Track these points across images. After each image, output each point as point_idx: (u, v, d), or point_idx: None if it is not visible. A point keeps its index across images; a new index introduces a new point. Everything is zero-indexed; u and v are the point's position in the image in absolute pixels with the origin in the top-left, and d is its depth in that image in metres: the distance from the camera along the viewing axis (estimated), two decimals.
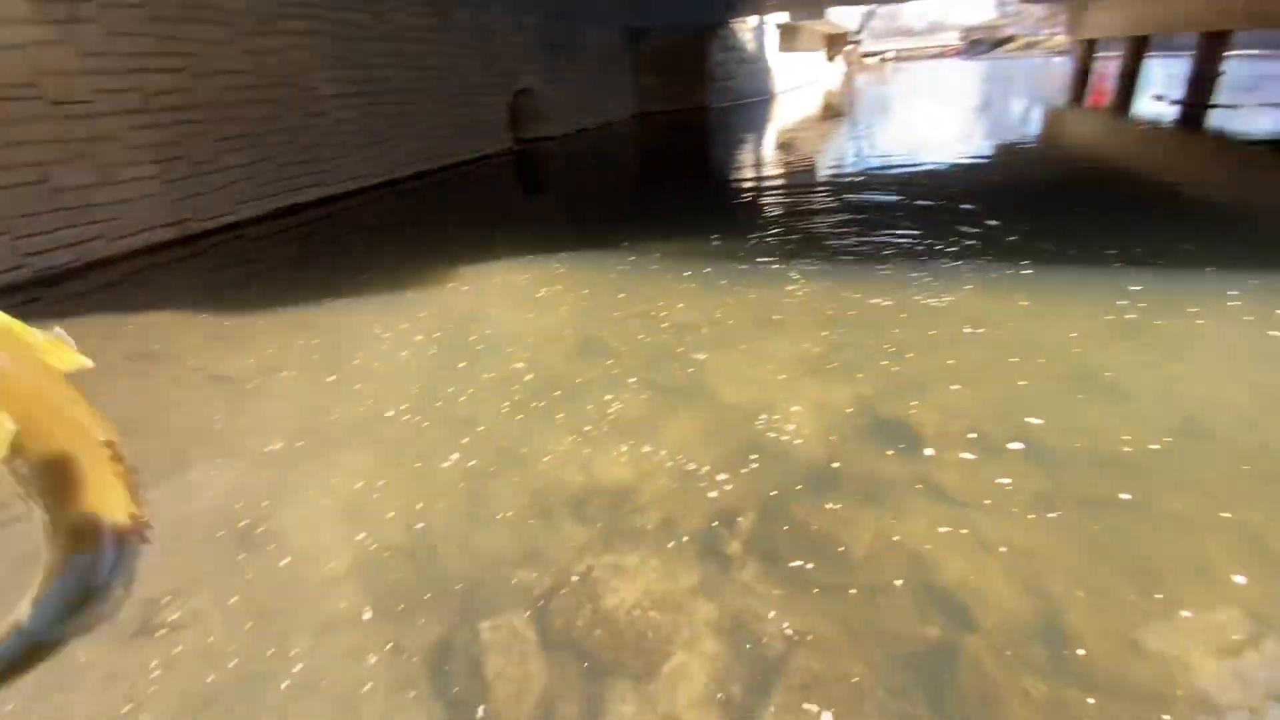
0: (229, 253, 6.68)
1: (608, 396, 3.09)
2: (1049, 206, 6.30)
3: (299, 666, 1.77)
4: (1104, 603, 1.75)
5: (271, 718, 1.64)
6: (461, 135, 11.83)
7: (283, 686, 1.71)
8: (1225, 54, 15.38)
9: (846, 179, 8.46)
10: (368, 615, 1.93)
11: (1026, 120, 14.42)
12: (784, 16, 24.99)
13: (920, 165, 8.67)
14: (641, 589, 1.92)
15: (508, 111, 13.33)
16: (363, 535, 2.26)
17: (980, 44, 75.70)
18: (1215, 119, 12.05)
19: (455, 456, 2.70)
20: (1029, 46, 66.63)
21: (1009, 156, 9.44)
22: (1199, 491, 2.15)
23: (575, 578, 1.98)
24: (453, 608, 1.93)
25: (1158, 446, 2.39)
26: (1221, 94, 14.12)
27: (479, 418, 2.98)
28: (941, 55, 74.22)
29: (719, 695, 1.60)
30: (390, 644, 1.82)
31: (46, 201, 5.75)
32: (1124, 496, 2.14)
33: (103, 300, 5.33)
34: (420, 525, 2.30)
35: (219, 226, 7.36)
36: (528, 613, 1.88)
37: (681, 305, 4.20)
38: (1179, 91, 14.69)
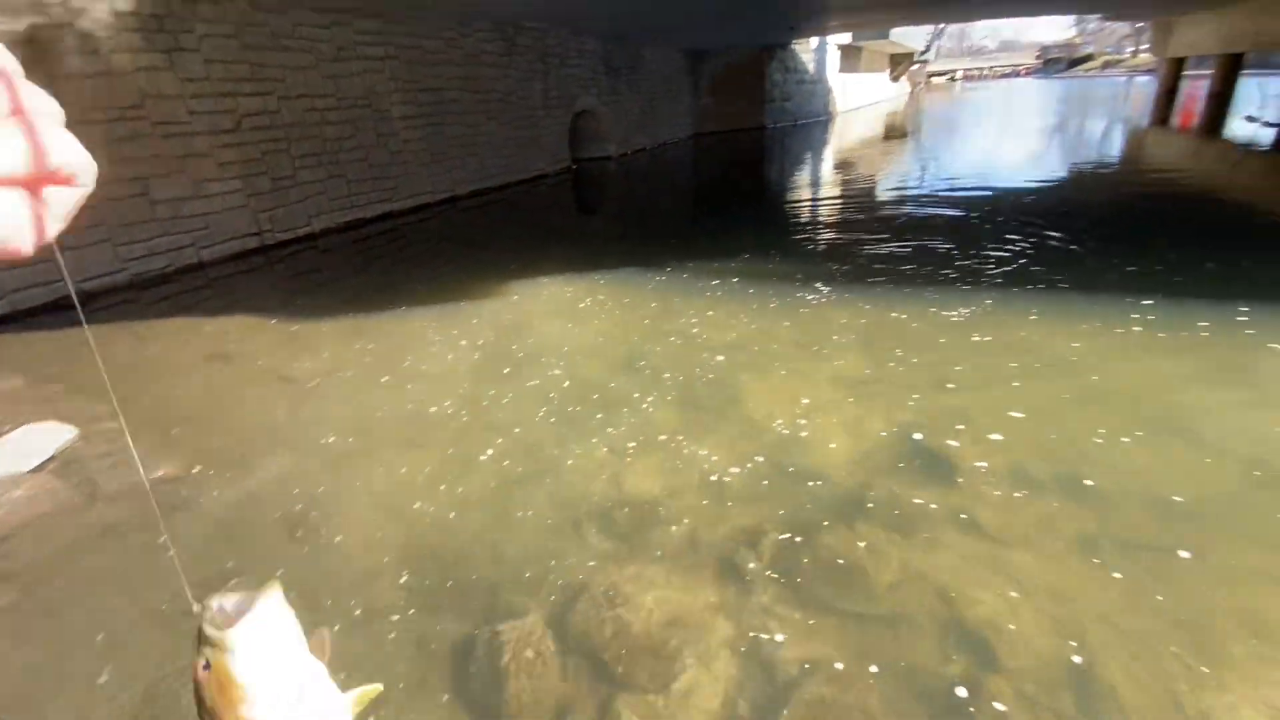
0: (302, 262, 7.14)
1: (644, 408, 3.13)
2: (1121, 234, 5.98)
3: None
4: (1144, 654, 1.66)
5: None
6: (522, 155, 12.25)
7: None
8: None
9: (904, 201, 8.28)
10: (399, 603, 2.02)
11: (1107, 142, 13.75)
12: (846, 37, 24.79)
13: (986, 188, 8.40)
14: (661, 603, 1.94)
15: (568, 132, 13.72)
16: (400, 529, 2.37)
17: (1057, 62, 72.76)
18: None
19: (490, 455, 2.80)
20: (1108, 65, 63.57)
21: (1085, 179, 9.03)
22: (1263, 543, 2.00)
23: (598, 587, 2.02)
24: (477, 608, 2.00)
25: (1219, 491, 2.24)
26: None
27: (517, 422, 3.08)
28: (1015, 74, 71.76)
29: (727, 716, 1.59)
30: (416, 638, 1.90)
31: (145, 212, 6.31)
32: (1177, 544, 2.02)
33: (189, 303, 5.79)
34: (455, 522, 2.39)
35: (294, 238, 7.87)
36: (547, 618, 1.93)
37: (725, 325, 4.21)
38: (1276, 112, 13.71)
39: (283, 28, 7.46)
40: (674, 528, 2.29)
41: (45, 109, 0.39)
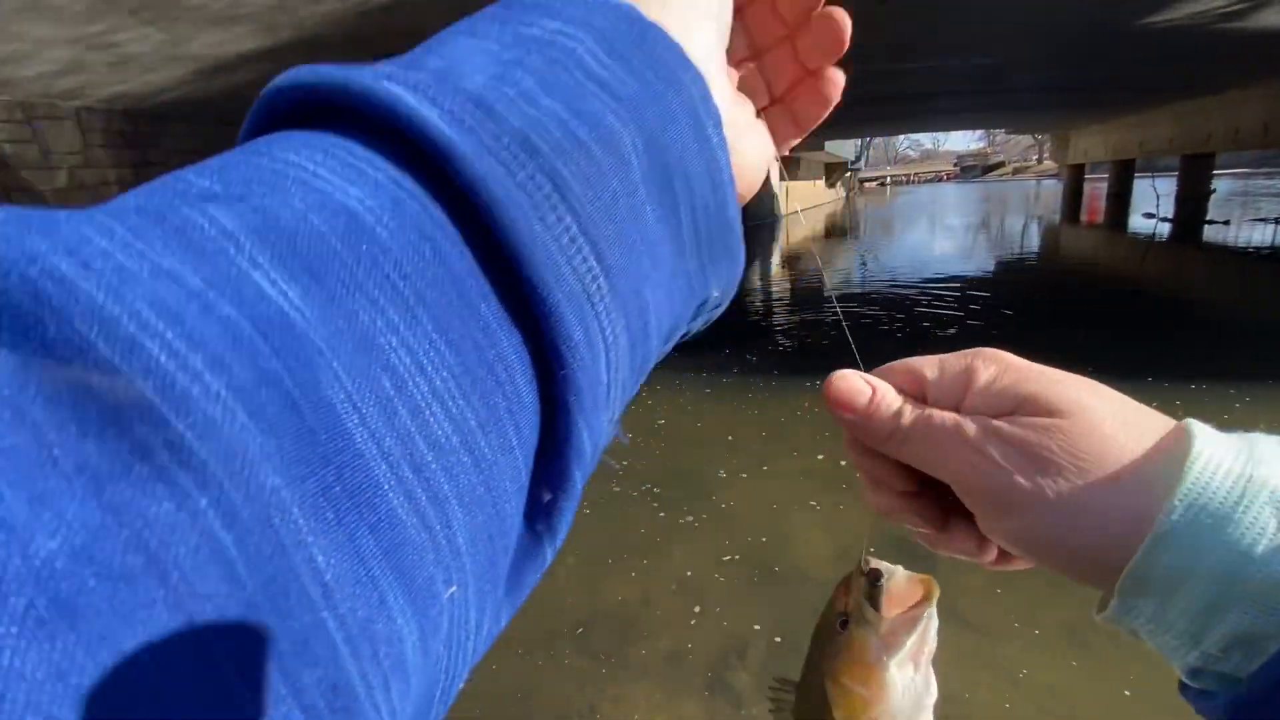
0: None
1: (614, 511, 3.05)
2: (1053, 321, 6.42)
3: None
4: None
5: None
6: None
7: None
8: (1212, 173, 16.22)
9: (852, 294, 8.75)
10: None
11: (1026, 237, 15.05)
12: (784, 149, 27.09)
13: (925, 280, 8.98)
14: None
15: None
16: None
17: (973, 169, 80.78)
18: (1209, 233, 12.49)
19: None
20: (1018, 171, 70.91)
21: (1013, 272, 9.77)
22: None
23: (576, 716, 1.87)
24: None
25: None
26: (1212, 210, 14.72)
27: None
28: (939, 180, 79.08)
29: None
30: None
31: None
32: None
33: None
34: None
35: None
36: None
37: (692, 418, 4.23)
38: (1170, 209, 15.36)
39: None
40: (656, 641, 2.17)
41: None
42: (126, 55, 4.46)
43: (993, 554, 0.28)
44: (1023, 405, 0.25)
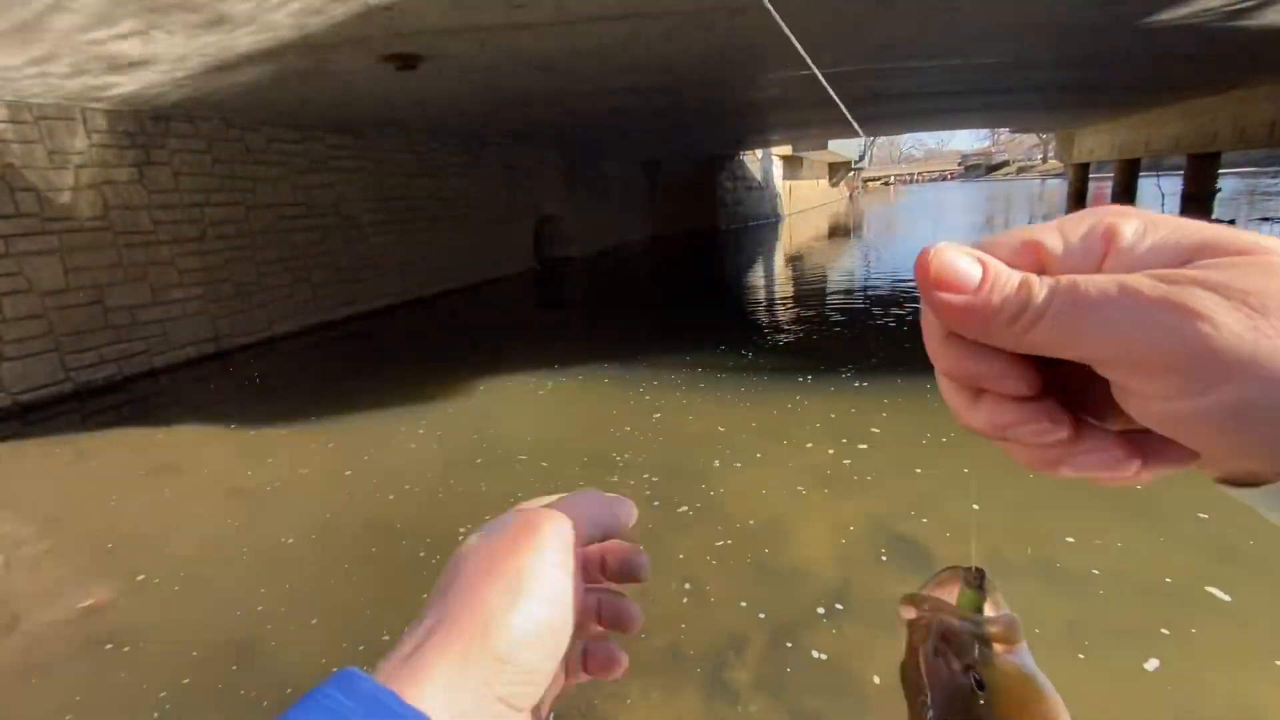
0: (260, 365, 6.99)
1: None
2: None
3: None
4: None
5: None
6: (489, 257, 12.60)
7: None
8: (1218, 172, 16.13)
9: (852, 294, 8.74)
10: None
11: None
12: (787, 149, 27.03)
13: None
14: None
15: (532, 235, 14.26)
16: (362, 647, 2.18)
17: (977, 168, 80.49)
18: None
19: None
20: (1022, 170, 70.59)
21: None
22: (1242, 624, 2.02)
23: (576, 713, 1.88)
24: None
25: (1198, 571, 2.28)
26: (1217, 209, 14.63)
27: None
28: (942, 179, 78.81)
29: None
30: None
31: (98, 320, 6.16)
32: (1161, 629, 2.01)
33: (137, 413, 5.54)
34: None
35: (254, 341, 7.75)
36: None
37: (691, 416, 4.24)
38: (1175, 208, 15.28)
39: (256, 143, 7.73)
40: (654, 639, 2.18)
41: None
42: (131, 57, 4.48)
43: (1137, 462, 0.22)
44: (1200, 252, 0.20)
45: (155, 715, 2.00)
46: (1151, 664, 1.86)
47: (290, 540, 3.04)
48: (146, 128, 6.51)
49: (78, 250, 5.96)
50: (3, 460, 4.51)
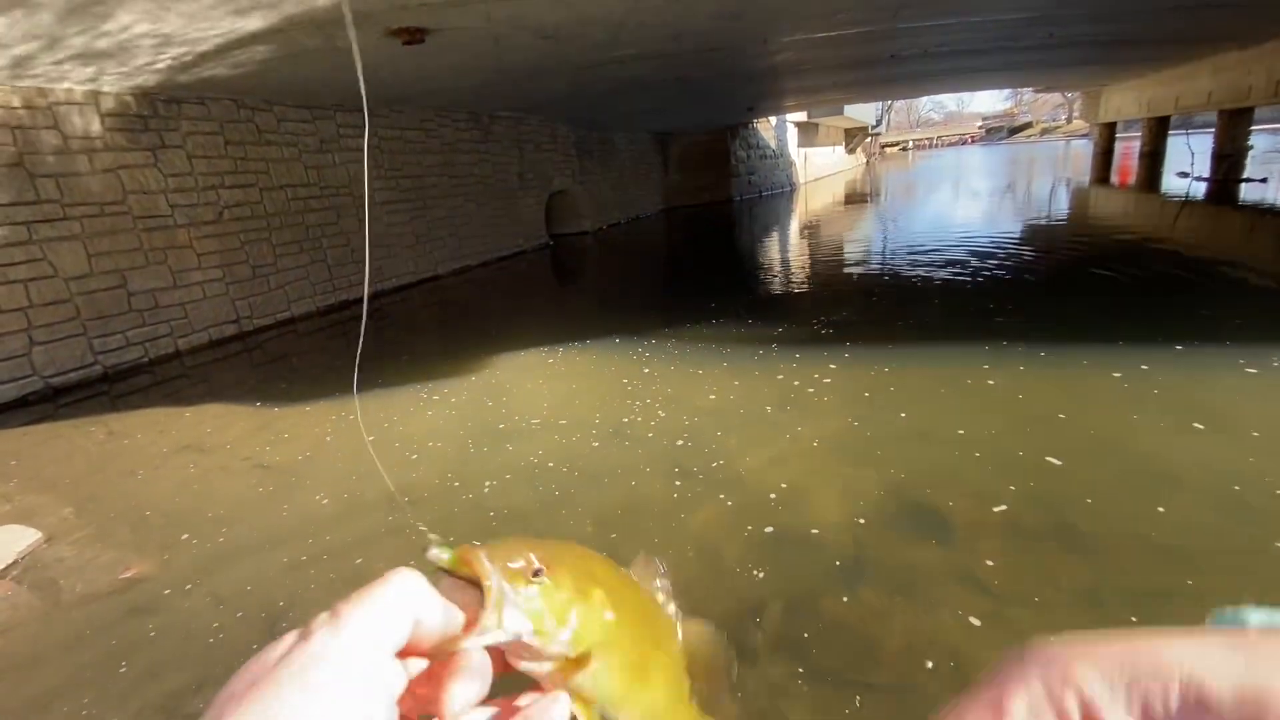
0: (281, 346, 7.10)
1: (632, 482, 3.09)
2: (1078, 287, 6.26)
3: None
4: None
5: None
6: (501, 233, 12.58)
7: None
8: (1250, 129, 15.51)
9: (867, 262, 8.61)
10: None
11: (1054, 199, 14.59)
12: (802, 115, 26.43)
13: (944, 247, 8.79)
14: None
15: (544, 210, 14.18)
16: None
17: (999, 131, 78.13)
18: (1246, 192, 11.99)
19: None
20: (1046, 132, 68.39)
21: (1038, 234, 9.52)
22: (1255, 578, 2.01)
23: None
24: None
25: (1209, 531, 2.26)
26: (1250, 167, 14.10)
27: (504, 496, 3.01)
28: (963, 143, 76.66)
29: None
30: None
31: (122, 304, 6.28)
32: (1176, 588, 2.01)
33: (165, 393, 5.68)
34: None
35: (274, 323, 7.86)
36: None
37: (707, 387, 4.24)
38: (1205, 167, 14.76)
39: (268, 123, 7.73)
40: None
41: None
42: (140, 40, 4.47)
43: None
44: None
45: (199, 674, 2.09)
46: (1165, 617, 1.86)
47: (324, 501, 3.12)
48: (159, 110, 6.53)
49: (99, 235, 6.05)
50: (38, 441, 4.66)
